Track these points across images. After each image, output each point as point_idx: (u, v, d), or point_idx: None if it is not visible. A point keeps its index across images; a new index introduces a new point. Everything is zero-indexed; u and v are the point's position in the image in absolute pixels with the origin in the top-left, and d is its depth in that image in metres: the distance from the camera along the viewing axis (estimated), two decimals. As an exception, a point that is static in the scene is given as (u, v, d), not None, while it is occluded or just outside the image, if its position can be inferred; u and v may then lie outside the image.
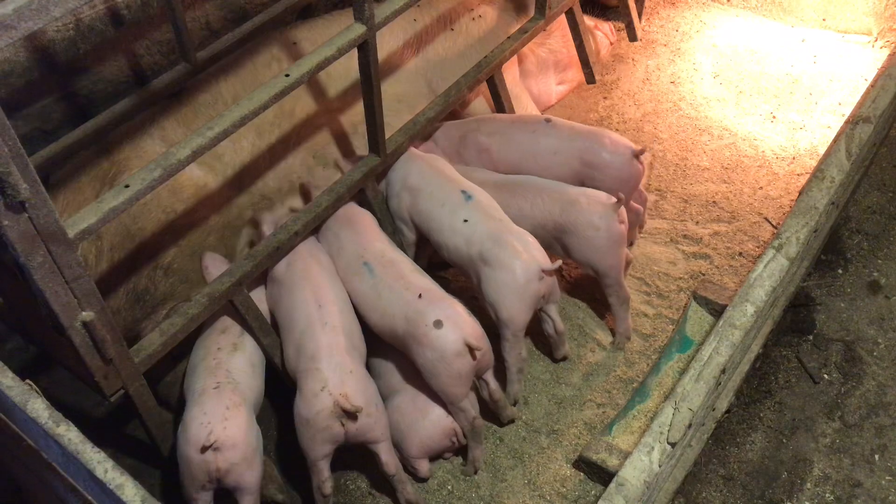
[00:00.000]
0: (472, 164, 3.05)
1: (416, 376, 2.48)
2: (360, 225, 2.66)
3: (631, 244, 3.21)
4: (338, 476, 2.56)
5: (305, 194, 2.87)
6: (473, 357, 2.31)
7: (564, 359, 2.82)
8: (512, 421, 2.65)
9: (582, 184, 2.94)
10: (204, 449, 2.08)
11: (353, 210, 2.73)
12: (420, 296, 2.38)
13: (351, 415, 2.17)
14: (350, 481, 2.56)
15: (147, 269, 2.50)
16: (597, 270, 2.72)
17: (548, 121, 3.05)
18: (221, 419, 2.14)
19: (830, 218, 2.81)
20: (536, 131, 3.02)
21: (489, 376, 2.47)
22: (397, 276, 2.47)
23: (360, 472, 2.58)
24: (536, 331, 2.78)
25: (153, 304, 2.53)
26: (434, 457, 2.55)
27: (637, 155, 2.90)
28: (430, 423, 2.42)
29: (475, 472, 2.54)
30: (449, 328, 2.29)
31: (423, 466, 2.47)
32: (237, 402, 2.21)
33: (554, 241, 2.76)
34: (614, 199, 2.64)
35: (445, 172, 2.76)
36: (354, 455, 2.54)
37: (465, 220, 2.59)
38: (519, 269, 2.44)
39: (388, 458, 2.30)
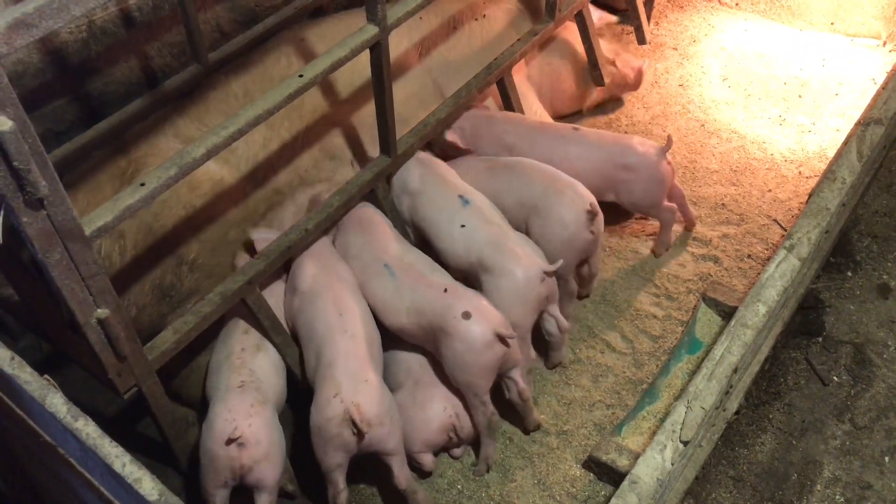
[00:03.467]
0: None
1: (418, 372, 2.51)
2: (375, 228, 2.67)
3: (660, 252, 3.21)
4: (350, 476, 2.56)
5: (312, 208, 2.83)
6: (506, 344, 2.33)
7: (559, 365, 2.81)
8: (538, 427, 2.64)
9: (614, 190, 2.99)
10: (229, 441, 2.09)
11: (366, 212, 2.74)
12: (445, 290, 2.40)
13: (359, 429, 2.15)
14: (364, 484, 2.57)
15: (171, 264, 2.52)
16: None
17: (575, 129, 3.08)
18: (246, 416, 2.16)
19: (841, 220, 2.81)
20: (566, 138, 3.04)
21: (517, 374, 2.47)
22: (417, 276, 2.48)
23: (374, 474, 2.58)
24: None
25: (179, 299, 2.54)
26: (437, 451, 2.55)
27: (664, 152, 2.93)
28: (427, 418, 2.43)
29: (487, 471, 2.55)
30: (477, 319, 2.31)
31: (427, 460, 2.46)
32: (261, 401, 2.23)
33: (525, 218, 2.76)
34: (591, 207, 2.65)
35: (445, 177, 2.77)
36: (367, 456, 2.55)
37: (463, 226, 2.60)
38: (520, 273, 2.45)
39: (399, 473, 2.29)
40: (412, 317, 2.44)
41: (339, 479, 2.24)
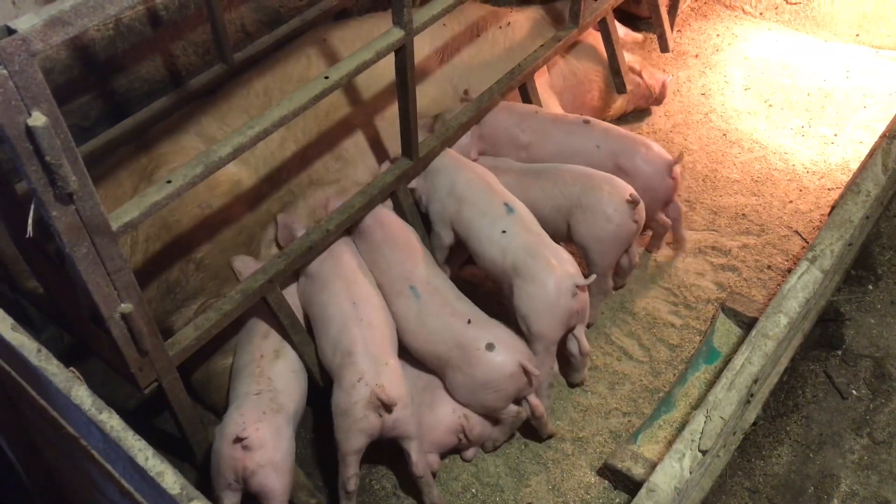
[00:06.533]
0: (504, 156, 3.07)
1: (427, 375, 2.52)
2: (406, 245, 2.66)
3: (652, 250, 3.22)
4: (363, 475, 2.57)
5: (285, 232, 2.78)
6: (530, 382, 2.36)
7: (581, 384, 2.80)
8: (551, 437, 2.64)
9: None
10: (236, 441, 2.11)
11: (400, 227, 2.72)
12: (469, 321, 2.42)
13: (387, 406, 2.19)
14: (375, 481, 2.57)
15: (180, 261, 2.54)
16: (590, 257, 2.75)
17: (586, 122, 3.08)
18: (255, 420, 2.18)
19: (863, 232, 2.79)
20: (575, 132, 3.04)
21: (531, 397, 2.48)
22: (443, 303, 2.49)
23: (386, 472, 2.59)
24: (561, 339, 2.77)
25: (184, 297, 2.56)
26: (447, 452, 2.56)
27: (671, 167, 2.91)
28: (436, 418, 2.44)
29: (493, 450, 2.59)
30: (501, 350, 2.34)
31: (432, 460, 2.47)
32: (275, 409, 2.25)
33: (564, 221, 2.78)
34: (631, 196, 2.67)
35: (491, 184, 2.77)
36: (380, 455, 2.56)
37: (504, 232, 2.60)
38: (552, 283, 2.45)
39: (418, 458, 2.31)
40: (430, 343, 2.45)
41: (354, 464, 2.27)
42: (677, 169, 2.95)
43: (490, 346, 2.35)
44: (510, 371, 2.34)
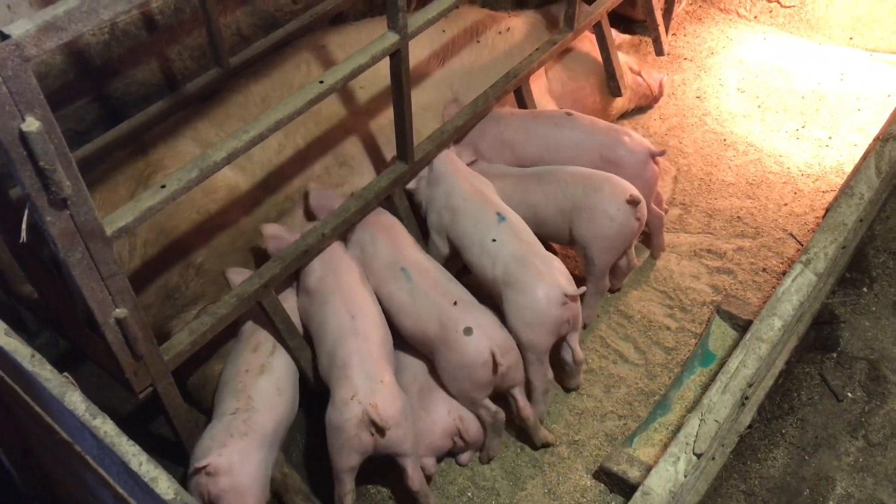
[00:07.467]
0: (492, 160, 3.07)
1: (423, 378, 2.52)
2: (396, 233, 2.68)
3: (657, 254, 3.23)
4: (359, 479, 2.56)
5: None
6: (494, 371, 2.33)
7: (576, 388, 2.80)
8: (546, 445, 2.63)
9: None
10: (196, 471, 2.09)
11: (388, 219, 2.75)
12: (455, 303, 2.41)
13: (379, 428, 2.17)
14: (372, 485, 2.57)
15: (179, 267, 2.53)
16: (590, 256, 2.76)
17: (568, 114, 3.09)
18: (220, 445, 2.14)
19: (857, 235, 2.80)
20: (559, 124, 3.06)
21: (518, 392, 2.47)
22: (434, 283, 2.49)
23: (383, 477, 2.58)
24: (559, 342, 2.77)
25: (183, 302, 2.56)
26: (443, 456, 2.56)
27: (654, 156, 2.93)
28: (432, 422, 2.43)
29: (488, 461, 2.58)
30: (478, 336, 2.32)
31: (429, 464, 2.46)
32: (243, 432, 2.19)
33: (567, 223, 2.79)
34: (632, 196, 2.67)
35: (485, 194, 2.77)
36: (377, 460, 2.55)
37: (494, 240, 2.59)
38: (541, 293, 2.43)
39: (413, 474, 2.29)
40: (419, 323, 2.45)
41: (349, 480, 2.25)
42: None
43: (468, 331, 2.32)
44: (483, 359, 2.31)
